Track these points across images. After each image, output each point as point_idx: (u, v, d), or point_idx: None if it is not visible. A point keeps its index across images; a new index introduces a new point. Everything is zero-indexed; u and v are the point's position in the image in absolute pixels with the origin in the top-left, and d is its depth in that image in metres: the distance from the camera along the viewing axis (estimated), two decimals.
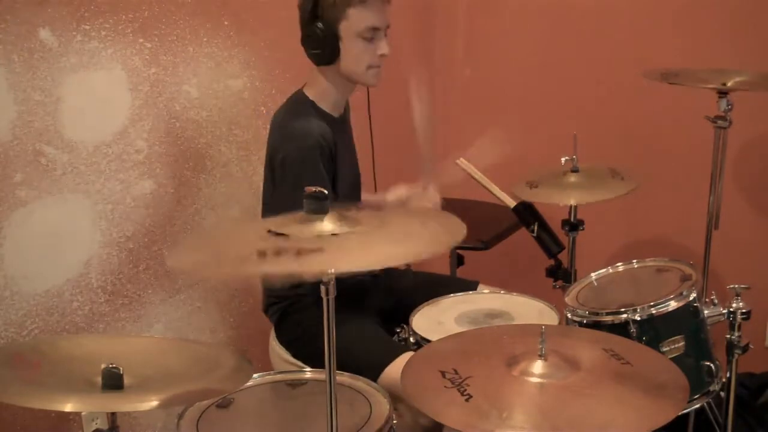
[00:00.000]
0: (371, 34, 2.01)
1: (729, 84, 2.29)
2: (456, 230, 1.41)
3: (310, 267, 1.30)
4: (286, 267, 1.29)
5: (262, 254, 1.27)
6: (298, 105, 2.10)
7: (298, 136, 2.01)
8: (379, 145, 2.49)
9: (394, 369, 1.90)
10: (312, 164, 1.98)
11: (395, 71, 2.13)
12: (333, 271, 1.32)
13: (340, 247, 1.33)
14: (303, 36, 2.05)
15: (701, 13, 2.79)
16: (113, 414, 1.39)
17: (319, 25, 1.99)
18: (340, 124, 2.15)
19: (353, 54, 2.02)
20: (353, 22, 1.99)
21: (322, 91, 2.10)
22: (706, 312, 1.90)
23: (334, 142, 2.04)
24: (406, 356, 1.95)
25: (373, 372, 1.87)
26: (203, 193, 2.45)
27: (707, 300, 1.93)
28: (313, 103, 2.09)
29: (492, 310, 2.12)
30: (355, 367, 1.76)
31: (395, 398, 1.69)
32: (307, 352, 2.08)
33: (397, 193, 2.25)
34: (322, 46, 2.01)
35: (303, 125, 2.02)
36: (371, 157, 2.48)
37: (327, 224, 1.37)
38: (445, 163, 2.32)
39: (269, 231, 1.37)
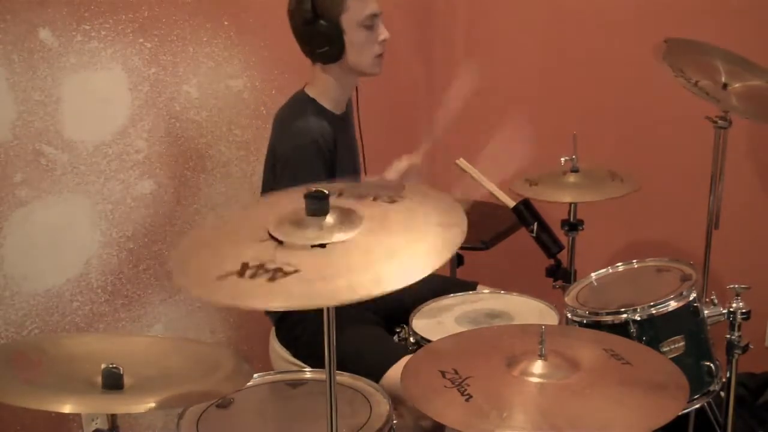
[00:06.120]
0: (371, 21, 2.03)
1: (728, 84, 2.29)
2: (455, 232, 1.37)
3: (279, 301, 1.20)
4: (254, 300, 1.20)
5: (242, 271, 1.21)
6: (299, 103, 2.11)
7: (296, 135, 2.02)
8: (369, 144, 2.47)
9: (397, 371, 1.90)
10: (309, 162, 1.99)
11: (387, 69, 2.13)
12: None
13: (319, 273, 1.22)
14: (306, 38, 2.05)
15: (702, 14, 2.79)
16: (113, 414, 1.39)
17: (322, 22, 2.00)
18: (342, 122, 2.15)
19: (358, 44, 2.03)
20: (354, 12, 2.00)
21: (324, 89, 2.11)
22: (706, 312, 1.90)
23: (333, 140, 2.05)
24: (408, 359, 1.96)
25: (375, 374, 1.87)
26: (203, 193, 2.45)
27: (707, 300, 1.93)
28: (314, 101, 2.10)
29: (492, 310, 2.12)
30: (357, 370, 1.76)
31: (397, 400, 1.69)
32: (308, 352, 2.08)
33: (398, 167, 2.21)
34: (328, 42, 2.02)
35: (302, 123, 2.04)
36: (362, 156, 2.47)
37: (325, 227, 1.33)
38: (444, 163, 2.31)
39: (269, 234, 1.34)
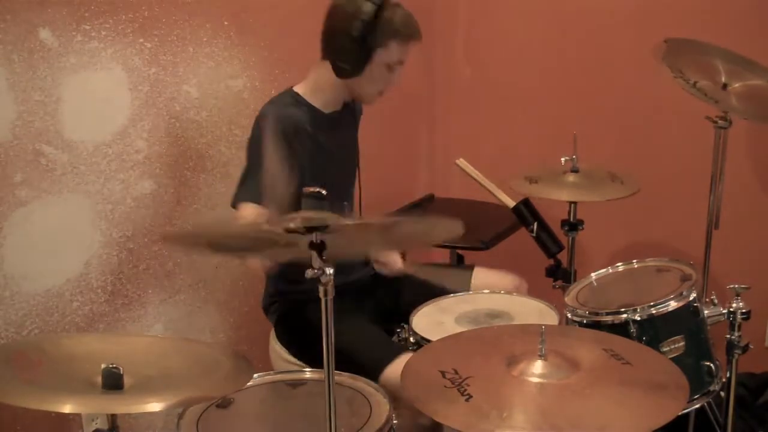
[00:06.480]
0: (395, 65, 2.07)
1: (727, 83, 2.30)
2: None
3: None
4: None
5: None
6: (279, 96, 2.13)
7: (261, 117, 2.07)
8: (368, 145, 2.47)
9: (394, 369, 1.91)
10: (268, 140, 1.99)
11: None
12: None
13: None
14: (337, 45, 2.04)
15: (702, 14, 2.79)
16: (113, 414, 1.39)
17: (360, 44, 2.01)
18: (331, 121, 2.15)
19: (372, 78, 2.07)
20: (389, 53, 2.04)
21: (316, 87, 2.12)
22: (706, 312, 1.90)
23: (304, 129, 2.06)
24: (406, 357, 1.96)
25: (373, 373, 1.87)
26: (203, 193, 2.45)
27: (707, 300, 1.93)
28: (296, 95, 2.12)
29: (492, 310, 2.12)
30: (355, 368, 1.76)
31: (396, 399, 1.69)
32: (308, 351, 2.08)
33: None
34: (353, 63, 2.03)
35: (269, 108, 2.08)
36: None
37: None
38: (444, 163, 2.32)
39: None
